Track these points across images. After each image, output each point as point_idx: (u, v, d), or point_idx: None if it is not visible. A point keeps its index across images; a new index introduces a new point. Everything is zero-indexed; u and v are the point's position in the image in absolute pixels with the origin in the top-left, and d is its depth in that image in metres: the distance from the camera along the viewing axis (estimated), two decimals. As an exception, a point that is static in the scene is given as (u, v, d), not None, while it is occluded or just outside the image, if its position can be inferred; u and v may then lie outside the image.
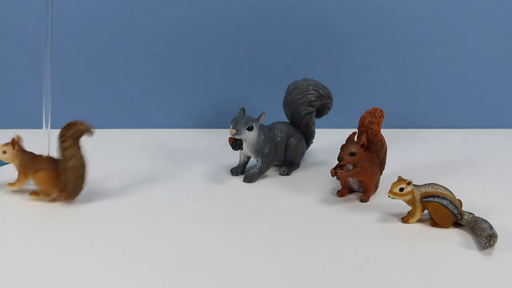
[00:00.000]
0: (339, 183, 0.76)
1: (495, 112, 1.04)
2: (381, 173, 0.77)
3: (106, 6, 0.96)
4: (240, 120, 0.76)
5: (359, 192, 0.75)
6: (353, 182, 0.75)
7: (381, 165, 0.77)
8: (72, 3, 0.89)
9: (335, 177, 0.72)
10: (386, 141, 0.76)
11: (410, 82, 1.02)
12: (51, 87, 0.72)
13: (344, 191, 0.75)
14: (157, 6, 0.96)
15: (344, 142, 0.71)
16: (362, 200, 0.73)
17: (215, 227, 0.65)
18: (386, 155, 0.77)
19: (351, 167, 0.71)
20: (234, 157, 0.86)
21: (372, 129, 0.74)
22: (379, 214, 0.69)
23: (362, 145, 0.71)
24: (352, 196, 0.75)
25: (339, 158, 0.70)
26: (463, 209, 0.67)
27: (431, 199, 0.65)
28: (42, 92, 0.71)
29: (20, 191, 0.73)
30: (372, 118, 0.73)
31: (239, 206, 0.71)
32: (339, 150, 0.71)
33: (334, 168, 0.72)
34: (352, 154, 0.70)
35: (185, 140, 0.97)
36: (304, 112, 0.83)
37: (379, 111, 0.74)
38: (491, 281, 0.55)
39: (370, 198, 0.74)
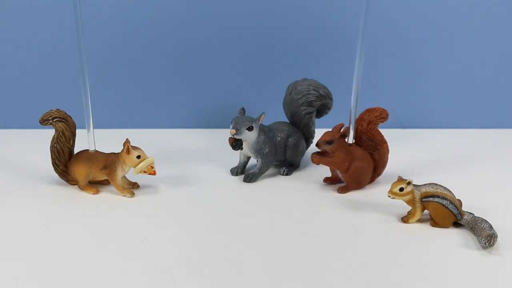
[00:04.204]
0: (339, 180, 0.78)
1: (495, 112, 1.04)
2: (379, 175, 0.77)
3: (106, 7, 0.96)
4: (240, 120, 0.76)
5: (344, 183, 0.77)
6: (339, 172, 0.76)
7: (377, 166, 0.76)
8: (70, 4, 0.89)
9: (312, 161, 0.74)
10: (387, 143, 0.76)
11: (410, 82, 1.02)
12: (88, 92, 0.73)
13: (328, 179, 0.78)
14: (158, 7, 0.96)
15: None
16: (338, 191, 0.75)
17: (215, 227, 0.65)
18: (384, 157, 0.76)
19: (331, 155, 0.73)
20: (234, 157, 0.86)
21: (362, 125, 0.74)
22: (379, 214, 0.69)
23: (343, 136, 0.72)
24: (353, 196, 0.75)
25: (317, 144, 0.72)
26: (463, 209, 0.67)
27: (431, 199, 0.65)
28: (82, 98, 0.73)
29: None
30: (366, 116, 0.74)
31: (239, 206, 0.71)
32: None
33: (313, 153, 0.74)
34: (329, 142, 0.71)
35: (185, 140, 0.97)
36: (304, 112, 0.83)
37: (379, 111, 0.74)
38: (491, 281, 0.55)
39: (371, 197, 0.74)
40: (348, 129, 0.73)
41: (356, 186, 0.75)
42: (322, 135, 0.72)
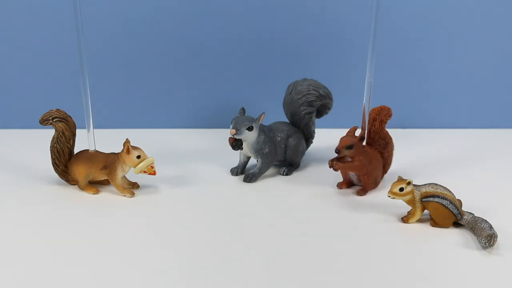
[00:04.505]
0: (340, 179, 0.77)
1: (495, 112, 1.04)
2: (385, 172, 0.78)
3: (106, 7, 0.96)
4: (240, 120, 0.75)
5: (359, 185, 0.76)
6: (352, 175, 0.75)
7: (385, 163, 0.77)
8: (70, 4, 0.89)
9: (331, 168, 0.73)
10: (393, 140, 0.76)
11: (410, 82, 1.02)
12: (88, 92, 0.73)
13: (344, 184, 0.76)
14: (158, 7, 0.96)
15: (344, 135, 0.72)
16: (358, 194, 0.74)
17: (215, 227, 0.65)
18: (391, 154, 0.77)
19: (349, 160, 0.72)
20: (234, 157, 0.86)
21: (375, 126, 0.74)
22: (379, 214, 0.69)
23: (361, 139, 0.72)
24: (353, 195, 0.75)
25: (336, 150, 0.71)
26: (463, 209, 0.67)
27: (431, 199, 0.65)
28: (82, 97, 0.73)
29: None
30: (377, 115, 0.74)
31: (239, 206, 0.71)
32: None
33: (332, 160, 0.73)
34: (349, 147, 0.71)
35: (185, 140, 0.97)
36: (304, 112, 0.83)
37: (386, 109, 0.75)
38: (491, 281, 0.55)
39: (371, 196, 0.74)
40: (364, 132, 0.73)
41: (374, 186, 0.76)
42: (341, 141, 0.71)
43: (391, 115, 0.75)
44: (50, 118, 0.73)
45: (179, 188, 0.76)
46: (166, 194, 0.74)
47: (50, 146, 0.74)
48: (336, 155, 0.72)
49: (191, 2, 0.96)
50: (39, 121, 0.73)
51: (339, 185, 0.76)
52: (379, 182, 0.77)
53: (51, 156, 0.74)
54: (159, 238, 0.62)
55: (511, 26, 0.99)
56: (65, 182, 0.77)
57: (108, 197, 0.73)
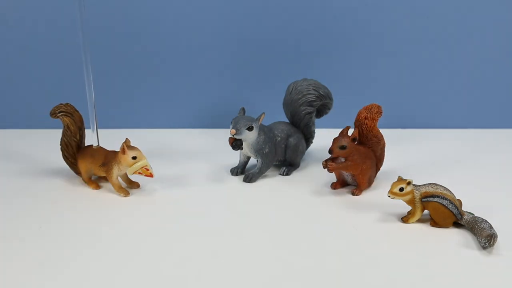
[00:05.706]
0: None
1: (495, 112, 1.04)
2: (378, 169, 0.78)
3: (106, 6, 0.96)
4: (240, 120, 0.75)
5: (353, 185, 0.76)
6: (346, 175, 0.75)
7: (378, 161, 0.77)
8: (72, 3, 0.89)
9: (326, 169, 0.73)
10: (384, 138, 0.76)
11: (410, 82, 1.02)
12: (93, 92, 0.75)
13: (337, 184, 0.76)
14: (159, 7, 0.96)
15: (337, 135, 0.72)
16: (353, 194, 0.74)
17: (214, 227, 0.65)
18: (384, 152, 0.77)
19: (343, 160, 0.72)
20: (234, 157, 0.86)
21: (367, 124, 0.74)
22: (379, 214, 0.69)
23: (354, 139, 0.72)
24: (353, 196, 0.75)
25: (330, 151, 0.71)
26: (463, 209, 0.67)
27: (431, 199, 0.65)
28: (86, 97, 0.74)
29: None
30: (368, 113, 0.74)
31: (239, 206, 0.71)
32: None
33: (326, 160, 0.73)
34: (343, 147, 0.71)
35: (185, 140, 0.97)
36: (304, 112, 0.83)
37: (376, 107, 0.74)
38: (491, 281, 0.55)
39: (371, 196, 0.74)
40: (356, 132, 0.73)
41: (369, 185, 0.76)
42: (334, 141, 0.71)
43: (381, 112, 0.75)
44: (57, 111, 0.75)
45: (179, 188, 0.76)
46: (166, 194, 0.74)
47: (60, 139, 0.77)
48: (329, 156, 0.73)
49: (191, 2, 0.96)
50: (49, 114, 0.75)
51: (333, 186, 0.77)
52: (373, 181, 0.77)
53: (60, 148, 0.77)
54: (158, 238, 0.62)
55: (511, 26, 0.99)
56: (65, 182, 0.77)
57: (108, 197, 0.73)
